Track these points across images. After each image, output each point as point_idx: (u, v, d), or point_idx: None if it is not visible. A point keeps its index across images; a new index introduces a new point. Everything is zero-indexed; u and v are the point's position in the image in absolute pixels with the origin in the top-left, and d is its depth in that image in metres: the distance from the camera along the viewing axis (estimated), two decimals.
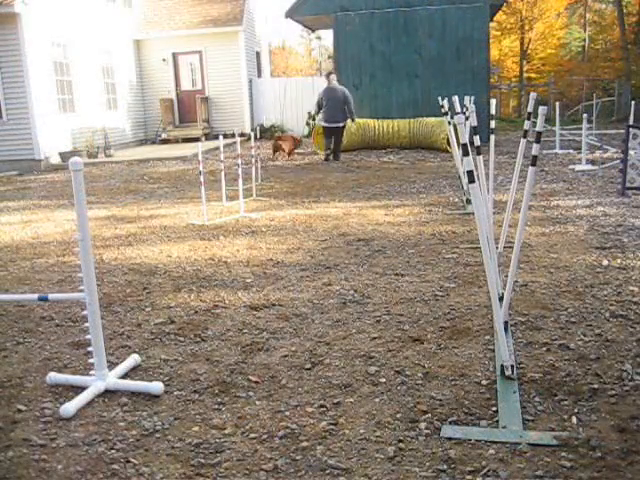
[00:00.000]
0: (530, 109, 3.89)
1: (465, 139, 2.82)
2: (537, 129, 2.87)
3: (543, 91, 27.92)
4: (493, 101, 5.55)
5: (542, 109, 2.88)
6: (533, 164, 2.87)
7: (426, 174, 10.27)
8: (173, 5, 19.91)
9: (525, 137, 3.85)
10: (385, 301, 4.01)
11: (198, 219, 7.06)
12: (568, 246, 5.24)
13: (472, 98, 7.31)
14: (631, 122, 10.35)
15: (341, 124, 12.34)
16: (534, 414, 2.53)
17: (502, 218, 6.16)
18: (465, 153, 2.77)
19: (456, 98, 6.57)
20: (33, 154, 13.76)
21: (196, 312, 3.96)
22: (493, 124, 5.32)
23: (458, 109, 6.33)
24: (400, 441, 2.38)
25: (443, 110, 8.10)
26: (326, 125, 12.35)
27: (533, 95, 3.78)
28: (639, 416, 2.47)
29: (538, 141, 2.87)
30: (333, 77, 12.56)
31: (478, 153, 4.00)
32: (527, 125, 4.03)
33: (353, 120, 12.43)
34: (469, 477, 2.14)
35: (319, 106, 12.35)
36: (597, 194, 7.79)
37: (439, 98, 8.72)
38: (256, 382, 2.93)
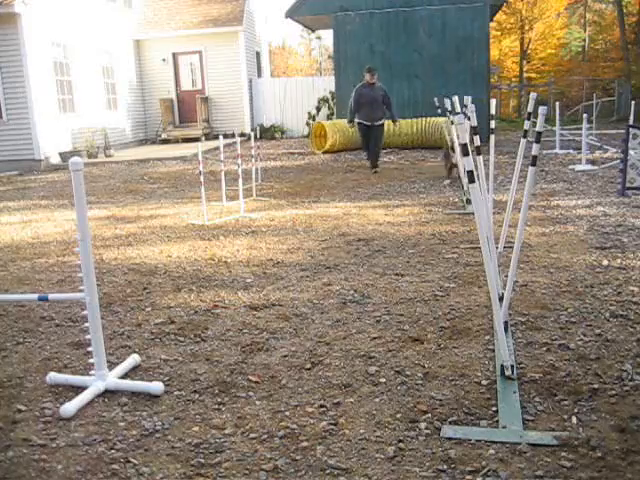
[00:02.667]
0: (530, 109, 3.89)
1: (465, 139, 2.82)
2: (537, 129, 2.87)
3: (543, 91, 27.94)
4: (493, 101, 5.55)
5: (542, 109, 2.88)
6: (533, 164, 2.87)
7: (426, 174, 10.27)
8: (173, 5, 19.92)
9: (525, 137, 3.85)
10: (385, 301, 4.01)
11: (198, 219, 7.06)
12: (568, 246, 5.24)
13: (470, 98, 7.31)
14: (631, 122, 10.36)
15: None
16: (534, 414, 2.53)
17: (502, 218, 6.16)
18: (465, 153, 2.77)
19: (456, 98, 6.57)
20: (33, 154, 13.76)
21: (196, 312, 3.96)
22: (493, 124, 5.32)
23: (458, 109, 6.33)
24: (400, 441, 2.38)
25: (439, 111, 8.09)
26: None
27: (533, 95, 3.78)
28: (639, 416, 2.47)
29: (538, 141, 2.87)
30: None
31: (478, 153, 4.00)
32: (527, 125, 4.03)
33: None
34: (469, 477, 2.14)
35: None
36: (597, 194, 7.79)
37: (435, 99, 8.72)
38: (256, 382, 2.93)
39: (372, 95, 10.62)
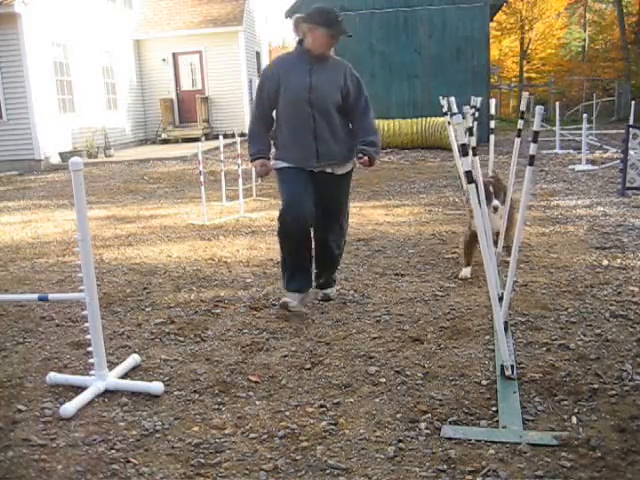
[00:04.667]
0: (523, 108, 3.90)
1: (464, 139, 2.81)
2: (534, 128, 2.86)
3: (543, 91, 27.96)
4: (493, 101, 5.57)
5: (539, 108, 2.89)
6: (530, 164, 2.87)
7: (426, 174, 10.27)
8: (173, 5, 19.92)
9: (519, 136, 3.83)
10: (385, 301, 4.01)
11: (198, 219, 7.06)
12: (568, 246, 5.24)
13: (479, 99, 7.31)
14: (631, 122, 10.36)
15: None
16: (534, 414, 2.53)
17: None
18: (464, 153, 2.77)
19: (453, 99, 6.56)
20: (33, 154, 13.76)
21: (196, 312, 3.96)
22: (493, 124, 5.33)
23: (454, 110, 6.31)
24: (400, 441, 2.38)
25: (443, 110, 8.08)
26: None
27: (525, 95, 3.80)
28: (639, 416, 2.47)
29: (535, 140, 2.87)
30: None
31: (474, 154, 3.99)
32: (521, 124, 4.02)
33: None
34: (469, 477, 2.14)
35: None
36: (597, 194, 7.79)
37: (440, 97, 8.72)
38: (256, 382, 2.93)
39: (312, 84, 3.67)
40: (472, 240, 4.27)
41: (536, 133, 2.86)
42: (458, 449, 2.31)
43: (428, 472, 2.18)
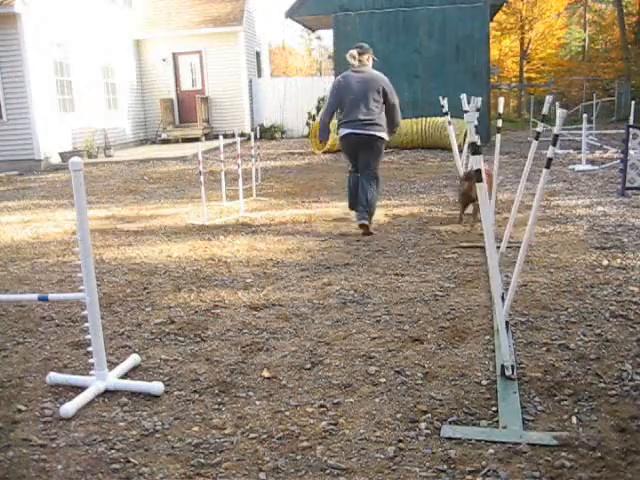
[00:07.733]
0: (545, 111, 3.91)
1: (475, 138, 2.81)
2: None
3: (543, 91, 27.96)
4: (501, 99, 5.60)
5: (561, 112, 2.90)
6: (547, 166, 2.88)
7: (426, 174, 10.27)
8: (173, 5, 19.91)
9: (537, 139, 3.85)
10: (385, 301, 4.01)
11: (198, 219, 7.06)
12: (568, 246, 5.24)
13: (480, 99, 7.30)
14: (631, 122, 10.36)
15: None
16: (534, 414, 2.53)
17: (501, 218, 6.16)
18: (474, 152, 2.78)
19: (464, 96, 6.55)
20: (33, 154, 13.76)
21: (196, 312, 3.96)
22: (500, 123, 5.34)
23: (465, 108, 6.30)
24: (400, 441, 2.38)
25: (444, 110, 8.08)
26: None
27: (549, 98, 3.81)
28: (639, 416, 2.47)
29: (554, 144, 2.87)
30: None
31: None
32: (541, 127, 4.04)
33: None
34: (469, 477, 2.14)
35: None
36: (597, 194, 7.79)
37: (440, 97, 8.71)
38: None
39: (361, 87, 5.99)
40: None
41: (556, 136, 2.86)
42: (458, 449, 2.31)
43: (428, 472, 2.18)
